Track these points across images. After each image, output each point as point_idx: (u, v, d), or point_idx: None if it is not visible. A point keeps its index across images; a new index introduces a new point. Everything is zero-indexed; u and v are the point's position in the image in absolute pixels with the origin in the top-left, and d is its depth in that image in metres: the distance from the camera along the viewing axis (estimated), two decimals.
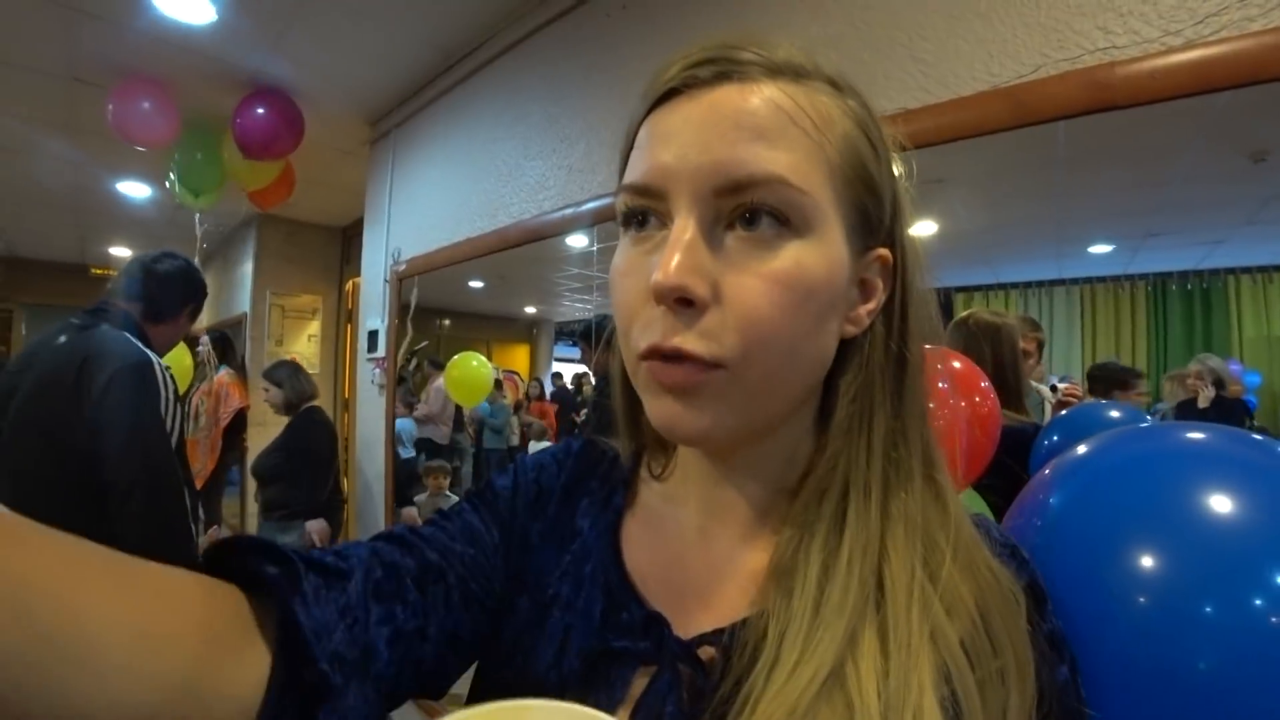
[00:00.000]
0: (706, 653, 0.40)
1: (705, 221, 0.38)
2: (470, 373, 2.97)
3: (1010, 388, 1.53)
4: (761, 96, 0.38)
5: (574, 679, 0.43)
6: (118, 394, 1.44)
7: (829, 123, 0.39)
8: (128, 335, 1.58)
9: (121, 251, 5.50)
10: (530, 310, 4.01)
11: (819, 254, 0.38)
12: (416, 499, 3.08)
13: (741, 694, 0.36)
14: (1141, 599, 0.44)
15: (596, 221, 1.77)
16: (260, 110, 2.63)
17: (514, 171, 2.13)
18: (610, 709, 0.41)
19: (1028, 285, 2.06)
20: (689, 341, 0.37)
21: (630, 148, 0.42)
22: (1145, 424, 1.30)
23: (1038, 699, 0.37)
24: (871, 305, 0.43)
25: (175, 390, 1.59)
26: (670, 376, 0.38)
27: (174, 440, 1.56)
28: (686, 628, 0.42)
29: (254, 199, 3.15)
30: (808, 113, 0.38)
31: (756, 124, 0.37)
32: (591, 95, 1.87)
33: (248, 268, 4.76)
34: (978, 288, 2.08)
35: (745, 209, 0.37)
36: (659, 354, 0.37)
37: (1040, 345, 1.92)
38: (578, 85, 1.91)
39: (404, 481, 3.06)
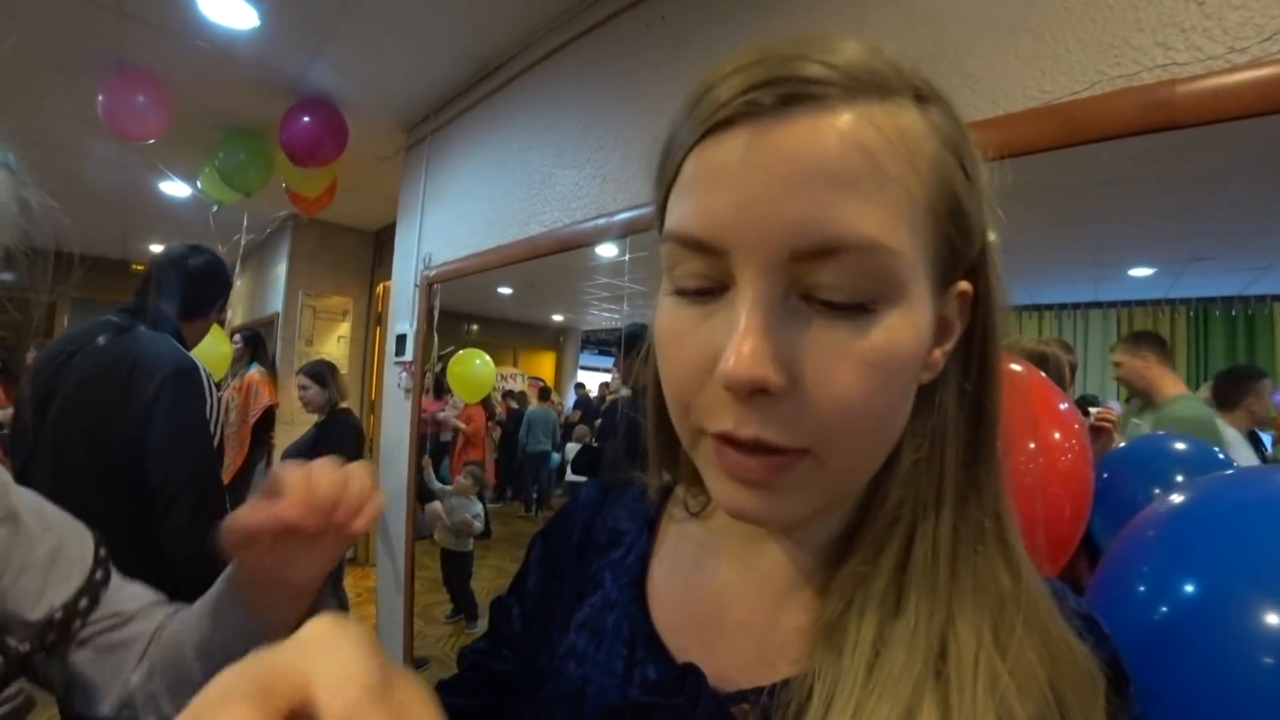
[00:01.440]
0: (743, 711, 0.37)
1: (778, 291, 0.32)
2: (472, 370, 2.98)
3: None
4: (840, 131, 0.31)
5: None
6: (167, 401, 1.44)
7: (916, 151, 0.32)
8: (168, 337, 1.59)
9: (160, 248, 5.64)
10: (558, 318, 4.03)
11: (910, 321, 0.32)
12: (440, 488, 3.12)
13: None
14: None
15: (629, 232, 1.76)
16: (306, 119, 2.68)
17: (546, 180, 2.13)
18: None
19: (1063, 307, 2.01)
20: (768, 431, 0.32)
21: (673, 177, 0.35)
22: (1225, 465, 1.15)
23: None
24: (948, 346, 0.37)
25: (216, 394, 1.60)
26: (748, 472, 0.33)
27: (215, 442, 1.58)
28: (720, 684, 0.39)
29: (296, 202, 3.20)
30: (896, 146, 0.31)
31: (839, 172, 0.30)
32: (627, 106, 1.86)
33: (281, 269, 4.85)
34: (1013, 308, 2.03)
35: (824, 286, 0.31)
36: (732, 443, 0.33)
37: (1073, 369, 1.87)
38: (613, 95, 1.91)
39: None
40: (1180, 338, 1.98)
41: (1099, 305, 1.98)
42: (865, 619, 0.35)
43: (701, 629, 0.43)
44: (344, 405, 3.05)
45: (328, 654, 0.21)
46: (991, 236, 0.38)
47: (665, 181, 0.36)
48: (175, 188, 3.94)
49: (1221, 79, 0.87)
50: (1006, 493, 0.39)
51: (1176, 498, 0.52)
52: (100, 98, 2.54)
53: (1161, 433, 1.60)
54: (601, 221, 1.84)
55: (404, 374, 2.91)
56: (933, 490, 0.37)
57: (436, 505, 3.12)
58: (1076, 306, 2.01)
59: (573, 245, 1.96)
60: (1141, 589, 0.47)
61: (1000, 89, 1.08)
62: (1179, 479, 0.92)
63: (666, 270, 0.36)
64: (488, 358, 2.93)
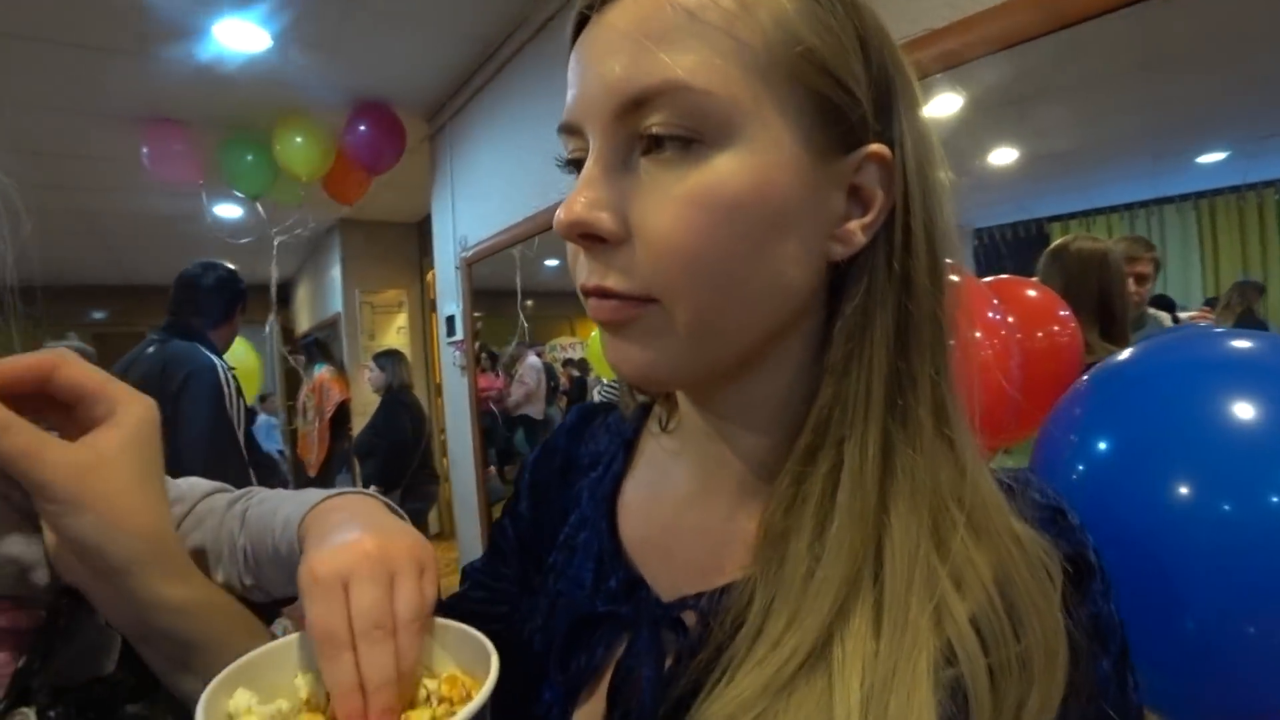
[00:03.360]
0: (688, 617, 0.38)
1: (614, 151, 0.34)
2: None
3: (1118, 319, 1.42)
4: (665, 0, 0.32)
5: (559, 642, 0.43)
6: (185, 397, 1.78)
7: (749, 7, 0.32)
8: (195, 345, 1.93)
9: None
10: None
11: (745, 162, 0.32)
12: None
13: (721, 661, 0.34)
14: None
15: None
16: (363, 128, 2.79)
17: (559, 148, 2.14)
18: (589, 672, 0.41)
19: (1129, 207, 1.87)
20: (609, 279, 0.34)
21: None
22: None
23: (1066, 694, 0.31)
24: (869, 219, 0.35)
25: (238, 388, 1.93)
26: (601, 312, 0.36)
27: (241, 433, 1.90)
28: (672, 592, 0.40)
29: (331, 192, 3.30)
30: (718, 2, 0.32)
31: (651, 29, 0.32)
32: None
33: (336, 271, 5.07)
34: (1072, 215, 1.89)
35: (649, 128, 0.33)
36: (588, 294, 0.36)
37: (1157, 266, 1.73)
38: None
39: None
40: (1271, 224, 1.80)
41: (1170, 200, 1.83)
42: (804, 524, 0.34)
43: (661, 536, 0.44)
44: (406, 389, 3.30)
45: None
46: (924, 107, 0.37)
47: None
48: (227, 209, 4.15)
49: None
50: (950, 382, 0.36)
51: (1116, 358, 0.51)
52: (144, 149, 2.72)
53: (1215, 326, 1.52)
54: None
55: (457, 353, 3.04)
56: (864, 382, 0.35)
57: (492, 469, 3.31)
58: (1145, 204, 1.87)
59: None
60: (1066, 456, 0.48)
61: None
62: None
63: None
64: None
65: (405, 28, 2.28)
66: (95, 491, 0.36)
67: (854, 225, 0.35)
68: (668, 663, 0.38)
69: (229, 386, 1.89)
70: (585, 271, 0.36)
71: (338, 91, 2.71)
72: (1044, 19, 0.92)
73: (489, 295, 3.02)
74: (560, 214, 0.34)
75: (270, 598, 0.51)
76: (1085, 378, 0.52)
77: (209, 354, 1.93)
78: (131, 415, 0.39)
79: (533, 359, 3.69)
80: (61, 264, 5.31)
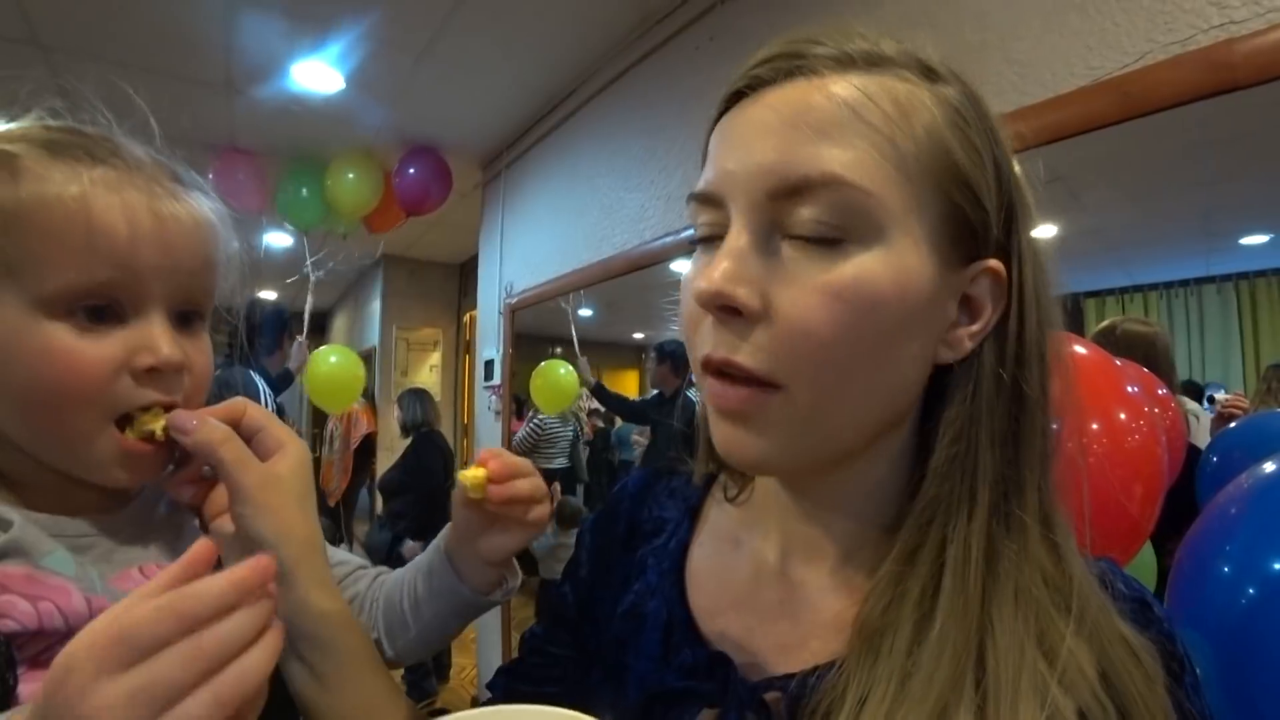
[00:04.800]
0: (773, 698, 0.38)
1: (760, 229, 0.35)
2: (556, 380, 3.03)
3: None
4: (826, 92, 0.34)
5: (630, 717, 0.42)
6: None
7: (907, 113, 0.34)
8: (247, 371, 2.26)
9: (269, 294, 6.15)
10: (638, 336, 4.10)
11: (887, 263, 0.34)
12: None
13: None
14: None
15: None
16: (412, 170, 2.90)
17: (615, 204, 2.22)
18: None
19: (1169, 285, 1.86)
20: (740, 354, 0.35)
21: (704, 157, 0.41)
22: None
23: None
24: (976, 327, 0.37)
25: (276, 408, 2.28)
26: (726, 401, 0.36)
27: None
28: (754, 670, 0.39)
29: (369, 225, 3.40)
30: (878, 103, 0.34)
31: (815, 120, 0.34)
32: (686, 125, 1.92)
33: (375, 305, 5.19)
34: (1110, 291, 1.89)
35: (802, 216, 0.34)
36: (712, 367, 0.36)
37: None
38: (673, 117, 1.97)
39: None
40: None
41: (1211, 280, 1.83)
42: (903, 621, 0.34)
43: (738, 611, 0.43)
44: (433, 428, 3.35)
45: None
46: (1037, 228, 0.39)
47: (702, 161, 0.41)
48: (277, 238, 4.29)
49: None
50: (1053, 489, 0.38)
51: (1267, 467, 0.48)
52: (209, 175, 2.86)
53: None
54: (669, 239, 1.90)
55: (493, 397, 3.07)
56: (967, 486, 0.36)
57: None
58: (1185, 284, 1.86)
59: (643, 265, 2.03)
60: (1225, 569, 0.46)
61: (1049, 71, 1.06)
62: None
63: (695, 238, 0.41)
64: (571, 367, 3.01)
65: (473, 77, 2.39)
66: (275, 502, 0.43)
67: (963, 332, 0.37)
68: None
69: (264, 395, 2.30)
70: (711, 343, 0.36)
71: (394, 133, 2.82)
72: (1118, 107, 0.96)
73: (521, 340, 3.07)
74: (701, 283, 0.35)
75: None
76: (1235, 487, 0.50)
77: (258, 378, 2.30)
78: (296, 449, 0.47)
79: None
80: None
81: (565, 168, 2.56)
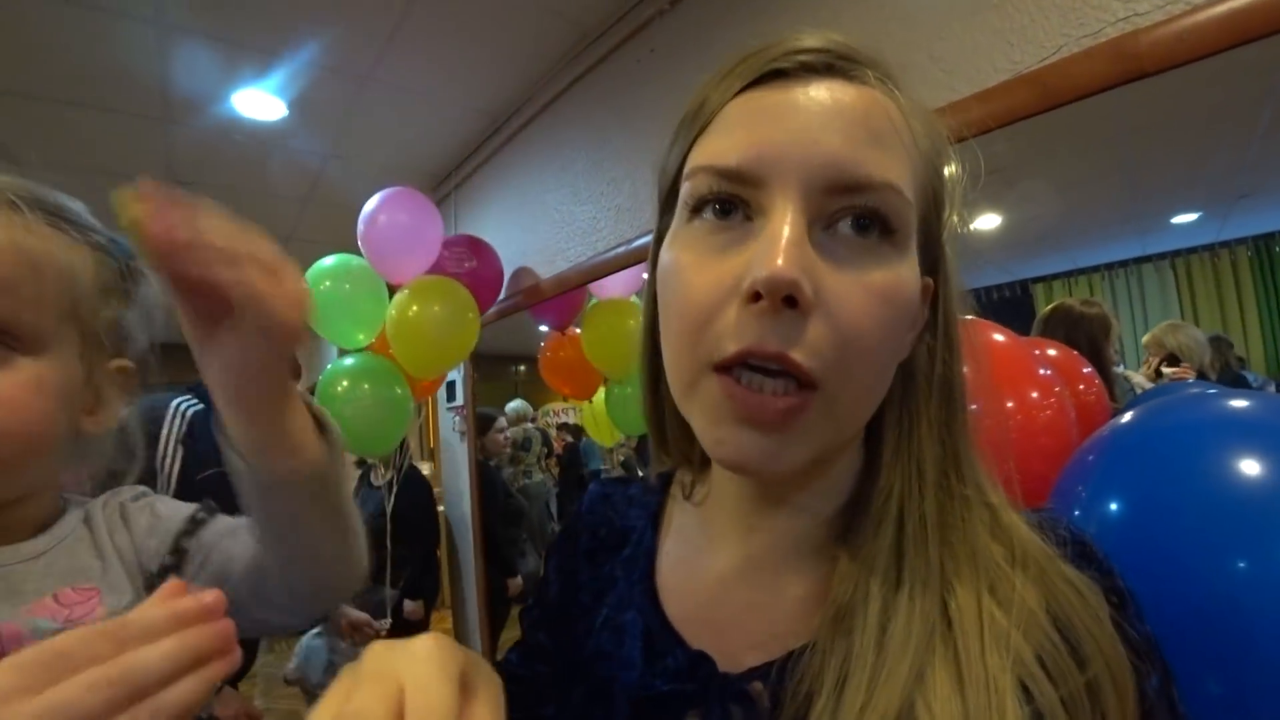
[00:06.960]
0: (756, 689, 0.39)
1: (811, 219, 0.34)
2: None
3: (1108, 379, 1.47)
4: (873, 99, 0.36)
5: None
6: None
7: (916, 134, 0.37)
8: (172, 394, 2.12)
9: None
10: None
11: (911, 271, 0.36)
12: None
13: None
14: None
15: (647, 258, 1.82)
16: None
17: (566, 218, 2.22)
18: None
19: (1109, 267, 1.94)
20: (796, 351, 0.33)
21: (700, 129, 0.39)
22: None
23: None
24: (916, 332, 0.40)
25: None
26: (764, 412, 0.34)
27: None
28: (733, 665, 0.40)
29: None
30: (901, 126, 0.36)
31: (873, 127, 0.35)
32: (631, 137, 1.94)
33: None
34: (1055, 276, 1.97)
35: (858, 213, 0.34)
36: (748, 359, 0.34)
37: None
38: (617, 129, 1.99)
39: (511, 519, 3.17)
40: (1245, 279, 1.87)
41: (1148, 259, 1.90)
42: (871, 596, 0.36)
43: (711, 609, 0.44)
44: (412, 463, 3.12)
45: (420, 668, 0.26)
46: (956, 223, 0.42)
47: (693, 132, 0.40)
48: None
49: (1184, 21, 0.88)
50: (980, 461, 0.41)
51: (1122, 419, 0.54)
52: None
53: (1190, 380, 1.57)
54: (622, 249, 1.91)
55: (457, 418, 3.04)
56: (915, 469, 0.39)
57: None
58: (1125, 264, 1.94)
59: (598, 276, 2.03)
60: (1076, 512, 0.49)
61: (973, 67, 1.10)
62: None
63: (685, 205, 0.38)
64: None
65: (416, 100, 2.38)
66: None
67: (909, 335, 0.40)
68: None
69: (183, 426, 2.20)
70: (755, 335, 0.33)
71: (349, 161, 2.80)
72: (1038, 98, 1.00)
73: (482, 359, 3.03)
74: (763, 270, 0.32)
75: None
76: (1094, 439, 0.55)
77: (177, 400, 2.23)
78: None
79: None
80: None
81: (514, 185, 2.56)
